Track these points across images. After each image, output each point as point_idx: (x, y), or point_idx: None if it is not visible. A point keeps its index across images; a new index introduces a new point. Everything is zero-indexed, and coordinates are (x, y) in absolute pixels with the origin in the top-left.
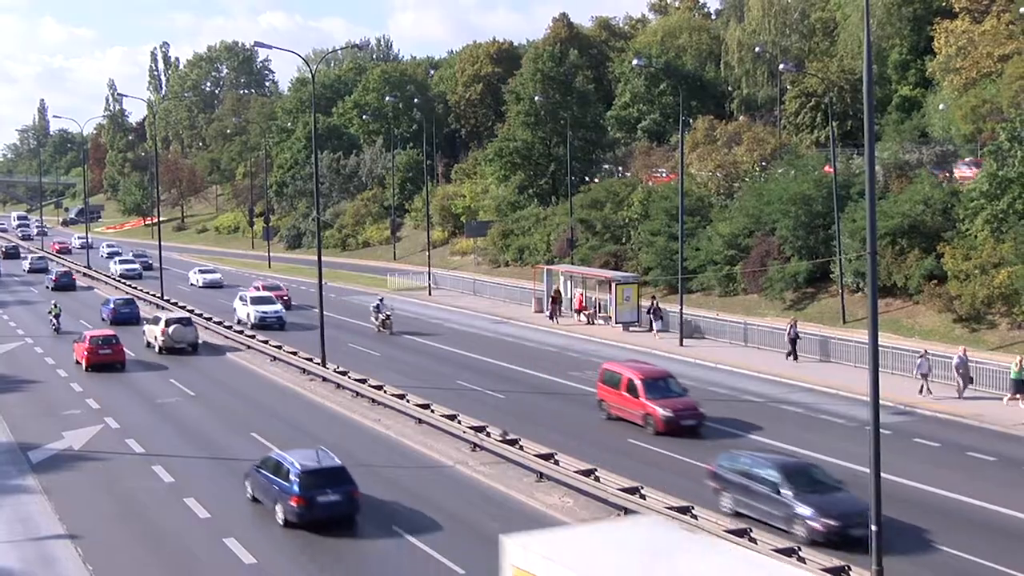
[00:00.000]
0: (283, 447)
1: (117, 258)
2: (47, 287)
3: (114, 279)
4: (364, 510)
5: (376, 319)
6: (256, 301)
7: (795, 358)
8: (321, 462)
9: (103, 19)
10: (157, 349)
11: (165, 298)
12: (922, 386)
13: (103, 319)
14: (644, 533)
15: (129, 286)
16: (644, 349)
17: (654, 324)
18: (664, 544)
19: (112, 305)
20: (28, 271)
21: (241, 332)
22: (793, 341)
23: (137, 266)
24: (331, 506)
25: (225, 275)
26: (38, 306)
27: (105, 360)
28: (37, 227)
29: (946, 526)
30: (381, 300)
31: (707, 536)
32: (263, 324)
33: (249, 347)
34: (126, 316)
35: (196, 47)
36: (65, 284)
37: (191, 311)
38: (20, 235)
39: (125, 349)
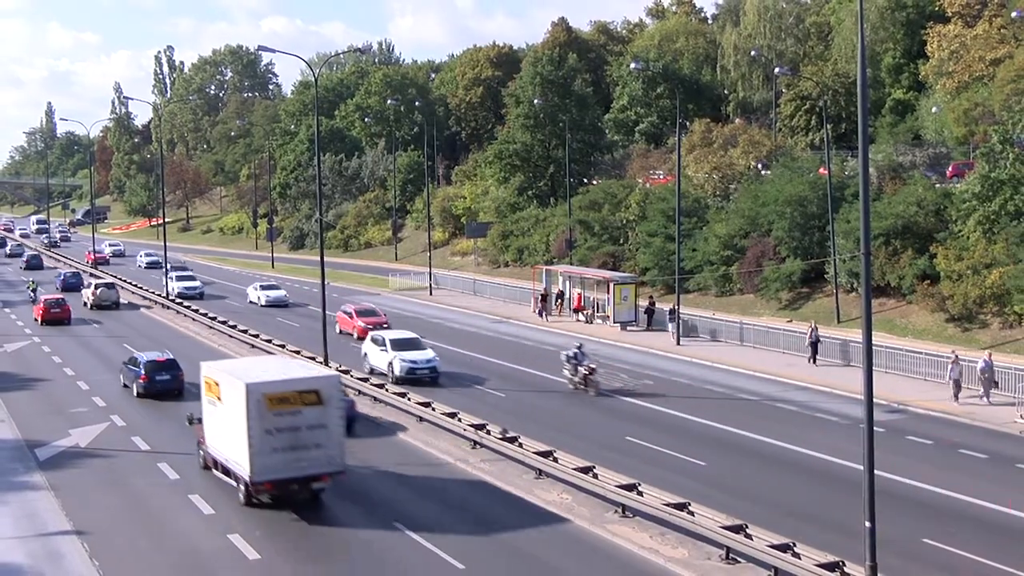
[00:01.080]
0: None
1: (173, 274)
2: (20, 267)
3: (172, 300)
4: (365, 506)
5: (574, 373)
6: (399, 345)
7: (813, 361)
8: (159, 357)
9: (107, 23)
10: (89, 307)
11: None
12: (956, 392)
13: (56, 288)
14: (270, 358)
15: (190, 308)
16: (642, 348)
17: (671, 326)
18: (274, 361)
19: (62, 276)
20: (8, 255)
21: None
22: (814, 345)
23: (198, 283)
24: (164, 382)
25: (231, 277)
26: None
27: (55, 317)
28: (61, 232)
29: (938, 522)
30: (580, 348)
31: (298, 358)
32: (413, 377)
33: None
34: (73, 284)
35: (198, 51)
36: (35, 265)
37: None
38: (46, 242)
39: (71, 308)
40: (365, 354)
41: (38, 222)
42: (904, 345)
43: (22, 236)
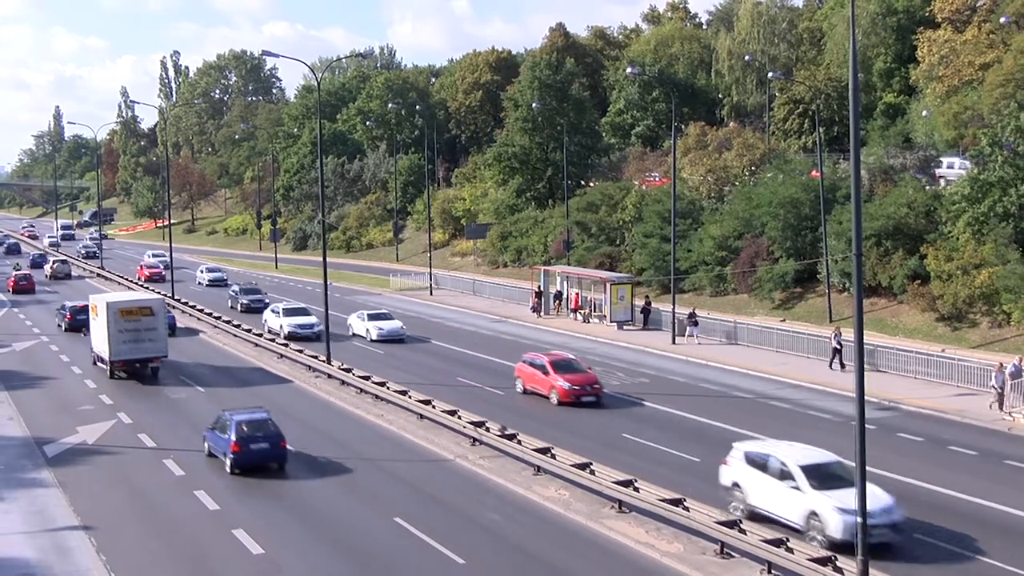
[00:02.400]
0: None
1: (279, 306)
2: (2, 252)
3: (280, 343)
4: (367, 501)
5: None
6: (819, 476)
7: (841, 367)
8: (80, 303)
9: (112, 29)
10: (48, 278)
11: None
12: (995, 401)
13: (27, 264)
14: (129, 291)
15: (302, 353)
16: (637, 347)
17: (692, 330)
18: (132, 292)
19: (32, 256)
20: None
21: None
22: (837, 350)
23: (313, 319)
24: (82, 320)
25: (235, 277)
26: (52, 306)
27: (23, 288)
28: (94, 239)
29: (928, 518)
30: None
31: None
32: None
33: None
34: (39, 262)
35: (202, 56)
36: (14, 250)
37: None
38: (82, 252)
39: (36, 282)
40: (735, 484)
41: (63, 227)
42: (895, 344)
43: (51, 246)
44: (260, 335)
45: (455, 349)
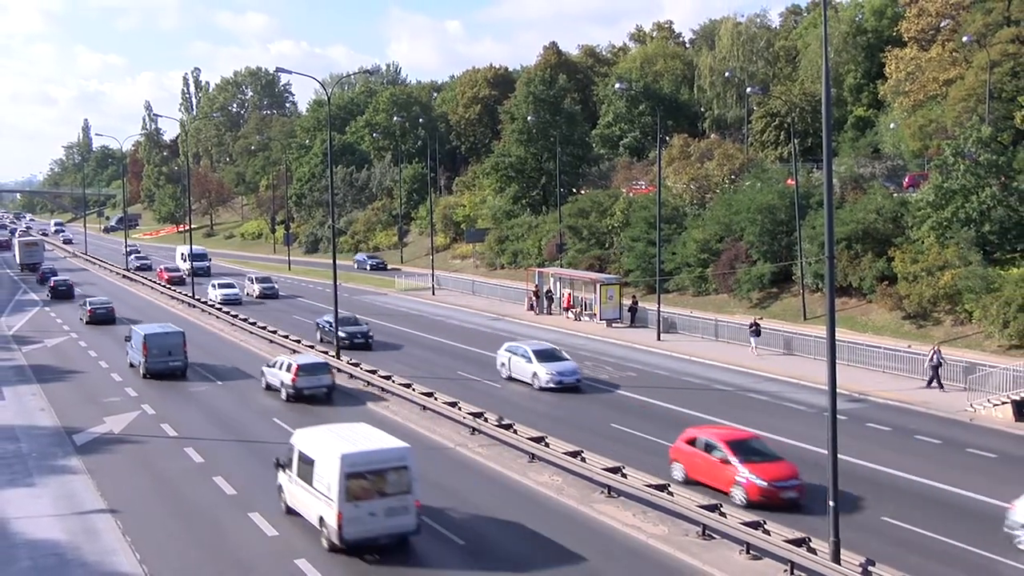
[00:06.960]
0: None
1: (526, 348)
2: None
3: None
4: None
5: None
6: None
7: (940, 386)
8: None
9: (130, 48)
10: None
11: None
12: None
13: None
14: (30, 236)
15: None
16: (626, 343)
17: (754, 341)
18: (32, 236)
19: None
20: None
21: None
22: (936, 368)
23: (575, 364)
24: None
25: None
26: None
27: None
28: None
29: (896, 501)
30: None
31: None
32: None
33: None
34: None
35: (215, 72)
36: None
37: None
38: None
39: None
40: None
41: (193, 257)
42: (864, 340)
43: (227, 300)
44: (276, 334)
45: (456, 345)
